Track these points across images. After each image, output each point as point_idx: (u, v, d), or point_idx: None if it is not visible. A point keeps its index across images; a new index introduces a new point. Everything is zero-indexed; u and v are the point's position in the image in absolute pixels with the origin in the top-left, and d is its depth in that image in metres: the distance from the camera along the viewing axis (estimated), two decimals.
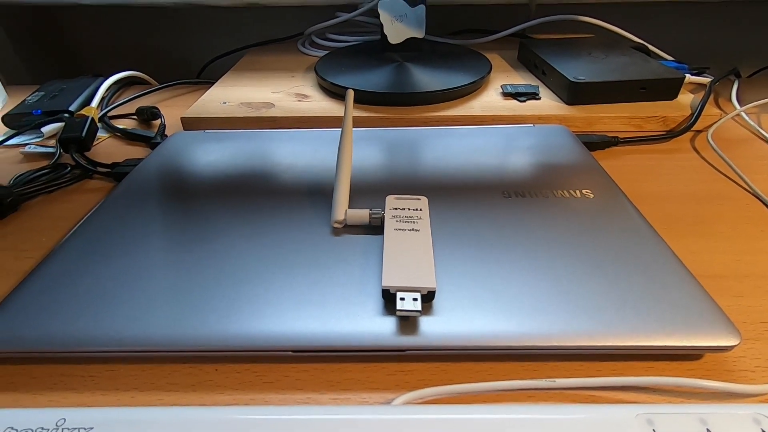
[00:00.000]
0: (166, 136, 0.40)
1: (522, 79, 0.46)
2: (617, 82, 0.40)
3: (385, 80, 0.43)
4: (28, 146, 0.39)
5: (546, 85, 0.45)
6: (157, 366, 0.20)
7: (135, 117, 0.44)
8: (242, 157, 0.34)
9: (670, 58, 0.50)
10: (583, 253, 0.24)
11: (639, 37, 0.52)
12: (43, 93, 0.45)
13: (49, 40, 0.64)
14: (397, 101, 0.41)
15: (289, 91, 0.45)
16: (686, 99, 0.41)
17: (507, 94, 0.43)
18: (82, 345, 0.20)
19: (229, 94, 0.45)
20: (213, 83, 0.48)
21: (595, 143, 0.36)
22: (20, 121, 0.41)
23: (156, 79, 0.55)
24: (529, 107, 0.41)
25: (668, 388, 0.19)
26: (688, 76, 0.43)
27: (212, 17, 0.63)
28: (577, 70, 0.41)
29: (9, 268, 0.26)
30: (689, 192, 0.32)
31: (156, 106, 0.44)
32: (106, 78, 0.48)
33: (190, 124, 0.41)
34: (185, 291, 0.22)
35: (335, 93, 0.44)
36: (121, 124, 0.43)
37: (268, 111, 0.41)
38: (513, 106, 0.41)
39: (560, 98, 0.42)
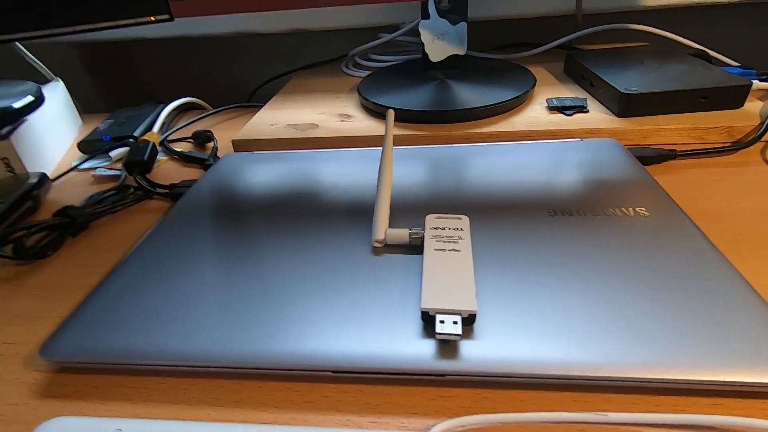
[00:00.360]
0: (218, 157, 0.43)
1: (569, 92, 0.45)
2: (674, 92, 0.37)
3: (427, 98, 0.44)
4: (98, 169, 0.43)
5: (595, 98, 0.43)
6: (205, 380, 0.21)
7: (191, 140, 0.47)
8: (288, 178, 0.35)
9: (734, 63, 0.46)
10: (638, 277, 0.22)
11: (698, 43, 0.49)
12: (112, 120, 0.50)
13: (119, 71, 0.71)
14: (438, 119, 0.41)
15: (333, 112, 0.47)
16: (754, 107, 0.38)
17: (552, 108, 0.41)
18: (138, 358, 0.21)
19: (276, 117, 0.47)
20: (262, 106, 0.51)
21: (649, 157, 0.34)
22: (92, 147, 0.45)
23: (211, 104, 0.58)
24: (577, 121, 0.39)
25: (739, 430, 0.17)
26: (755, 82, 0.39)
27: (262, 44, 0.67)
28: (629, 81, 0.39)
29: (79, 283, 0.29)
30: (758, 208, 0.29)
31: (210, 130, 0.47)
32: (167, 105, 0.52)
33: (240, 146, 0.43)
34: (232, 309, 0.23)
35: (378, 112, 0.45)
36: (178, 147, 0.46)
37: (313, 132, 0.43)
38: (559, 120, 0.39)
39: (610, 110, 0.40)
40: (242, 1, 0.44)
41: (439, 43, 0.48)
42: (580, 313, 0.20)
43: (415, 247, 0.25)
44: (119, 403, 0.20)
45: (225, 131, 0.49)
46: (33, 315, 0.26)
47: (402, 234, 0.25)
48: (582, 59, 0.46)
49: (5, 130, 0.40)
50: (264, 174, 0.36)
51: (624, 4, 0.56)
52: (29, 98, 0.44)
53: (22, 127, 0.41)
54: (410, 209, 0.29)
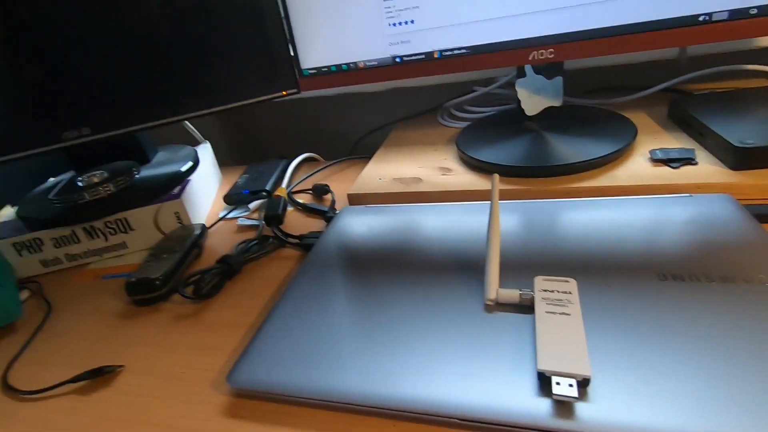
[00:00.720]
0: (336, 209, 0.49)
1: (675, 141, 0.45)
2: None
3: (524, 152, 0.46)
4: (240, 219, 0.52)
5: (704, 147, 0.42)
6: (348, 416, 0.25)
7: (311, 192, 0.55)
8: (400, 231, 0.39)
9: None
10: (759, 351, 0.22)
11: None
12: (248, 175, 0.60)
13: (245, 128, 0.83)
14: (536, 173, 0.44)
15: (434, 166, 0.51)
16: None
17: (657, 160, 0.42)
18: (297, 392, 0.26)
19: (383, 170, 0.53)
20: (367, 157, 0.57)
21: None
22: (235, 200, 0.54)
23: (320, 154, 0.66)
24: (685, 174, 0.39)
25: None
26: None
27: (364, 100, 0.74)
28: (744, 132, 0.38)
29: (239, 321, 0.35)
30: None
31: (327, 183, 0.54)
32: (290, 160, 0.61)
33: (354, 199, 0.49)
34: (367, 353, 0.27)
35: (477, 166, 0.48)
36: (300, 198, 0.54)
37: (417, 186, 0.47)
38: (665, 174, 0.40)
39: (723, 163, 0.39)
40: (353, 76, 0.51)
41: (536, 97, 0.50)
42: (695, 384, 0.21)
43: (525, 307, 0.28)
44: (284, 428, 0.25)
45: (338, 183, 0.56)
46: (210, 346, 0.33)
47: (512, 294, 0.28)
48: (689, 105, 0.46)
49: (176, 190, 0.50)
50: (379, 227, 0.41)
51: (734, 47, 0.54)
52: (190, 163, 0.54)
53: (187, 186, 0.51)
54: (515, 266, 0.32)
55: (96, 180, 0.49)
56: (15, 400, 0.31)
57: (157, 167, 0.55)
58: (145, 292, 0.39)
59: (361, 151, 0.73)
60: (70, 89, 0.47)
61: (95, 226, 0.47)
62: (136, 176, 0.51)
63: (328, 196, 0.53)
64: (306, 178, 0.59)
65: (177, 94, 0.50)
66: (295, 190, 0.56)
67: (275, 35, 0.50)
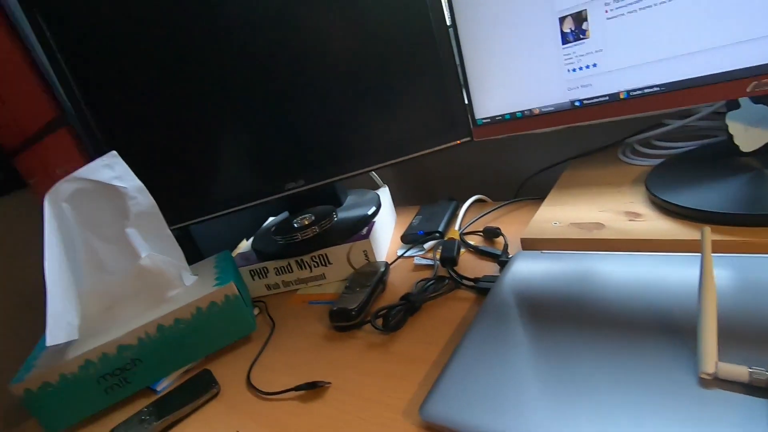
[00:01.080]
0: (509, 253, 0.50)
1: None
2: None
3: (741, 195, 0.40)
4: (416, 258, 0.57)
5: None
6: None
7: (482, 234, 0.56)
8: (584, 281, 0.38)
9: None
10: None
11: None
12: (421, 216, 0.65)
13: (415, 170, 0.91)
14: (762, 222, 0.37)
15: (618, 210, 0.47)
16: None
17: None
18: None
19: (557, 214, 0.51)
20: (537, 198, 0.56)
21: None
22: (412, 239, 0.60)
23: (485, 194, 0.68)
24: None
25: None
26: None
27: (531, 139, 0.74)
28: None
29: (422, 355, 0.39)
30: None
31: (498, 227, 0.55)
32: (459, 202, 0.64)
33: (528, 244, 0.49)
34: (556, 409, 0.27)
35: (675, 212, 0.43)
36: (471, 240, 0.56)
37: (600, 232, 0.45)
38: None
39: None
40: (527, 123, 0.52)
41: (754, 130, 0.43)
42: None
43: (758, 389, 0.24)
44: None
45: (508, 225, 0.57)
46: (398, 376, 0.37)
47: (740, 371, 0.24)
48: None
49: (365, 230, 0.58)
50: (559, 275, 0.40)
51: None
52: (374, 207, 0.62)
53: (373, 227, 0.59)
54: (736, 336, 0.28)
55: (306, 222, 0.60)
56: (257, 398, 0.41)
57: (349, 210, 0.64)
58: (343, 320, 0.46)
59: (528, 192, 0.72)
60: (292, 150, 0.60)
61: (304, 260, 0.58)
62: (335, 219, 0.60)
63: (500, 239, 0.54)
64: (476, 220, 0.61)
65: (369, 148, 0.58)
66: (466, 231, 0.59)
67: (452, 87, 0.54)
